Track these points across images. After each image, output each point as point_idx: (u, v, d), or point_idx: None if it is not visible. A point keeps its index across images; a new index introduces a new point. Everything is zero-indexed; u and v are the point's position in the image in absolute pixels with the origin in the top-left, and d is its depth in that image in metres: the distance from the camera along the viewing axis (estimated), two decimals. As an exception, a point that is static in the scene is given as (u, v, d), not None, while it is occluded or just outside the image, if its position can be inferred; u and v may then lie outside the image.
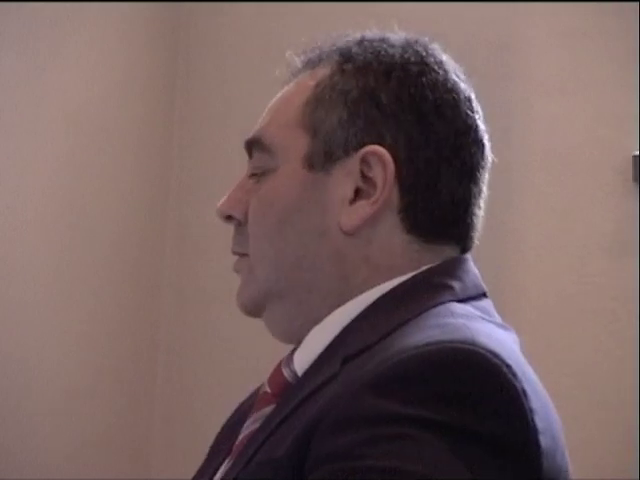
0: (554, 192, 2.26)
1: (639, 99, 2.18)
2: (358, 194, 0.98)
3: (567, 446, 0.90)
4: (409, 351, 0.83)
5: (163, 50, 2.65)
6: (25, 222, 2.24)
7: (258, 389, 1.07)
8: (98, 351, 2.42)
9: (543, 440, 0.82)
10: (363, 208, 0.97)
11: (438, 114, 0.98)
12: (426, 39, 1.05)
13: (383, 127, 0.98)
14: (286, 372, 1.00)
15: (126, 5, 2.48)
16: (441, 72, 1.01)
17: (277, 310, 1.03)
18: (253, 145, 1.04)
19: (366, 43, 1.03)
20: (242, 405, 1.15)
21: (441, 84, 1.00)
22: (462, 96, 1.01)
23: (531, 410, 0.81)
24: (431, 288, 0.97)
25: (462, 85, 1.02)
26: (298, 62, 1.07)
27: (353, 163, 0.98)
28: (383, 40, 1.03)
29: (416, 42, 1.03)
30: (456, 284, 0.98)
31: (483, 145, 1.02)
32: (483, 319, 0.93)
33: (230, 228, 1.07)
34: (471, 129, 1.01)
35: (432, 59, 1.01)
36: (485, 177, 1.03)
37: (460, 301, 0.96)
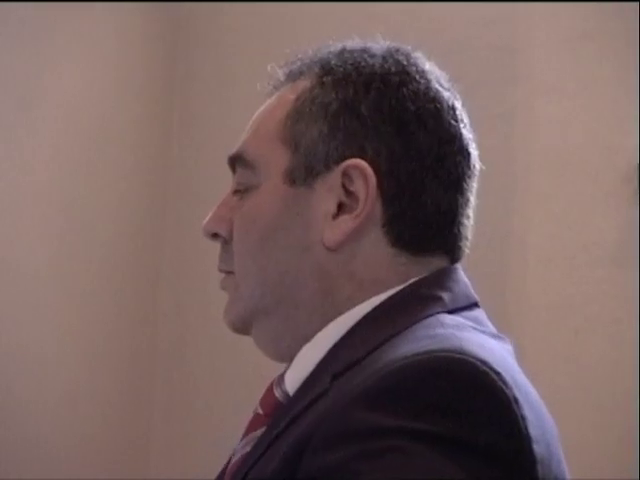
0: (557, 198, 2.24)
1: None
2: (341, 208, 0.97)
3: (567, 450, 0.89)
4: (398, 362, 0.82)
5: (162, 51, 2.66)
6: (23, 222, 2.26)
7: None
8: (97, 350, 2.44)
9: (537, 448, 0.80)
10: (346, 223, 0.96)
11: (420, 124, 0.97)
12: (409, 47, 1.03)
13: (364, 139, 0.96)
14: (277, 392, 0.99)
15: (124, 7, 2.50)
16: (423, 81, 0.99)
17: (264, 327, 1.02)
18: (236, 161, 1.04)
19: (346, 54, 1.01)
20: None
21: (422, 94, 0.98)
22: (445, 105, 0.99)
23: (523, 418, 0.80)
24: (420, 300, 0.95)
25: (445, 94, 1.00)
26: (280, 74, 1.06)
27: (335, 177, 0.97)
28: (364, 50, 1.01)
29: (397, 51, 1.01)
30: (445, 295, 0.96)
31: (469, 154, 1.00)
32: (475, 329, 0.92)
33: None
34: (455, 138, 0.99)
35: (414, 68, 1.00)
36: (472, 186, 1.02)
37: (450, 312, 0.95)
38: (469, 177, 1.01)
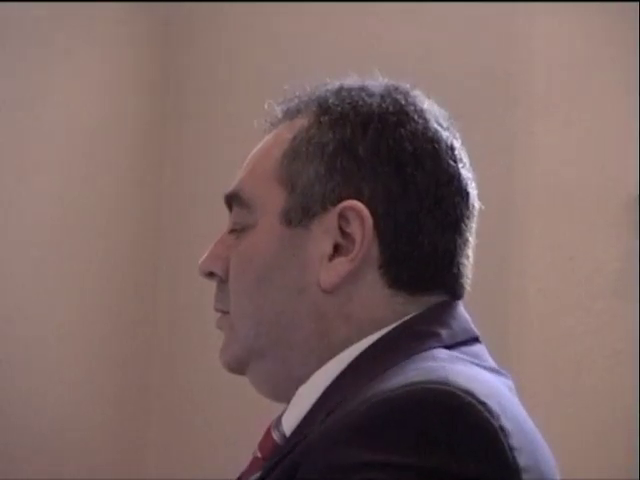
0: (557, 228, 2.23)
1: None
2: (337, 250, 0.96)
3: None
4: (382, 395, 0.81)
5: (153, 78, 2.69)
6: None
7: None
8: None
9: (527, 478, 0.79)
10: (342, 265, 0.95)
11: (417, 165, 0.96)
12: (407, 86, 1.02)
13: (361, 180, 0.95)
14: (275, 435, 0.98)
15: (114, 36, 2.54)
16: (421, 121, 0.98)
17: (260, 369, 1.01)
18: (232, 200, 1.03)
19: (344, 92, 1.00)
20: None
21: (421, 134, 0.97)
22: (443, 145, 0.98)
23: (511, 448, 0.78)
24: (415, 336, 0.94)
25: (444, 134, 0.99)
26: (278, 111, 1.05)
27: (331, 218, 0.96)
28: (362, 89, 1.00)
29: (396, 90, 1.00)
30: (443, 330, 0.95)
31: (467, 194, 0.99)
32: (471, 363, 0.91)
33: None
34: (454, 179, 0.98)
35: (412, 108, 0.99)
36: (472, 227, 1.01)
37: (448, 347, 0.93)
38: (468, 218, 0.99)
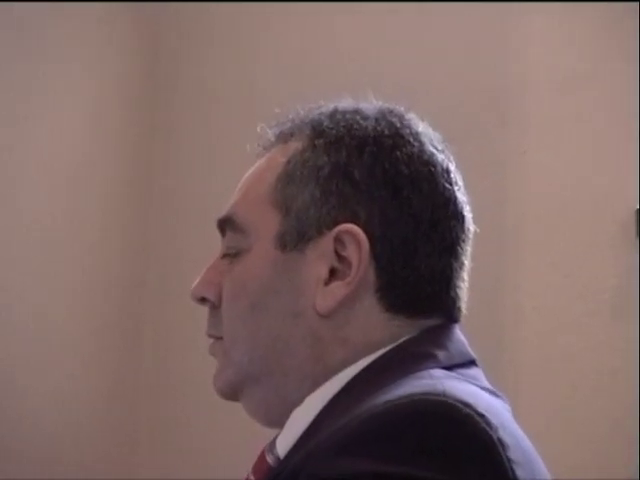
0: (553, 245, 2.22)
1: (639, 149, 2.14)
2: (333, 274, 0.95)
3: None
4: (379, 407, 0.81)
5: (141, 94, 2.68)
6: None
7: None
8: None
9: None
10: (338, 289, 0.94)
11: (414, 188, 0.95)
12: (401, 108, 1.02)
13: (357, 204, 0.94)
14: (269, 458, 0.97)
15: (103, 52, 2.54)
16: (416, 144, 0.97)
17: (254, 395, 1.00)
18: (225, 224, 1.02)
19: (338, 115, 0.99)
20: None
21: (416, 157, 0.96)
22: (439, 168, 0.97)
23: (509, 460, 0.78)
24: (411, 357, 0.93)
25: (439, 157, 0.98)
26: (270, 135, 1.04)
27: (327, 242, 0.95)
28: (356, 112, 1.00)
29: (391, 112, 1.00)
30: (439, 352, 0.94)
31: (463, 218, 0.99)
32: (469, 383, 0.90)
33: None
34: (450, 202, 0.97)
35: (407, 130, 0.98)
36: (467, 250, 1.00)
37: (445, 368, 0.92)
38: (463, 241, 0.99)
